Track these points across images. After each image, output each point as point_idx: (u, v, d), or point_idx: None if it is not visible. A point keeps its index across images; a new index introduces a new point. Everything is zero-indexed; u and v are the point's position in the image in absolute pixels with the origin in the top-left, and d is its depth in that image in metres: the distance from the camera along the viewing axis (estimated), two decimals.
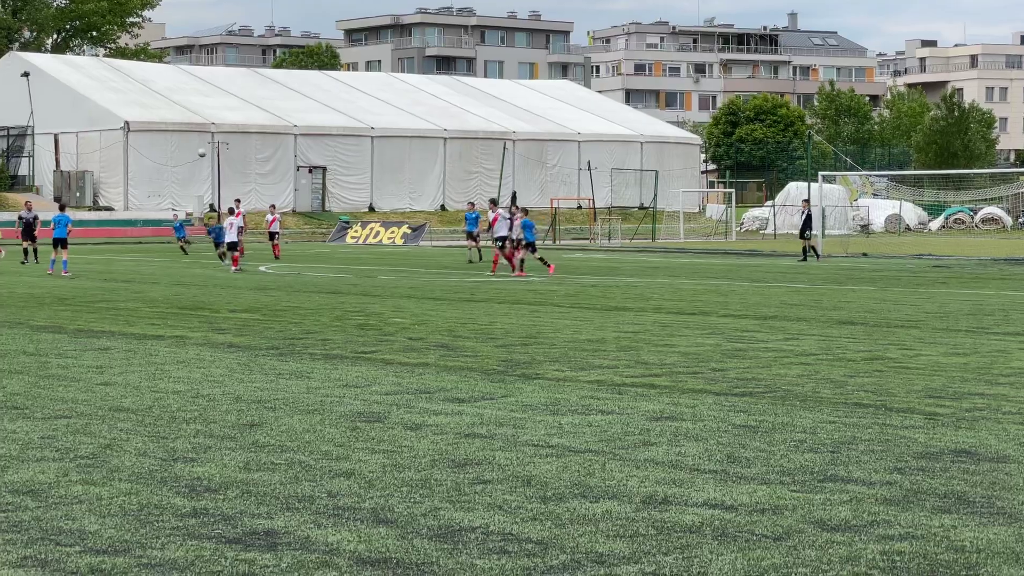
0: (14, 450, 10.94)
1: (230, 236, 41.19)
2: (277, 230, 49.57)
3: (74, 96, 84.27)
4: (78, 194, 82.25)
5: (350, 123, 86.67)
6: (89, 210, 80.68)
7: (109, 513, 8.81)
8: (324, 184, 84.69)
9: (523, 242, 38.03)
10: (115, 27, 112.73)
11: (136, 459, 10.60)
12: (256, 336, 20.37)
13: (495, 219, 41.88)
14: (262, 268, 41.75)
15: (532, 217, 39.74)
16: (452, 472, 10.13)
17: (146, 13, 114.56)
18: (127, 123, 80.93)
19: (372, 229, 69.71)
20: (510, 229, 39.21)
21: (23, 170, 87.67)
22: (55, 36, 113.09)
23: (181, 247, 53.38)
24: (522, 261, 38.05)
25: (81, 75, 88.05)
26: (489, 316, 24.21)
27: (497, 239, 40.85)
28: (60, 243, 38.26)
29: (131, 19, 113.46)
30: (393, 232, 68.00)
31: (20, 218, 47.04)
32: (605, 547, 8.02)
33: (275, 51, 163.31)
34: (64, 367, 16.42)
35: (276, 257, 47.27)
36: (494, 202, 47.78)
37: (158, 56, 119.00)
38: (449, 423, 12.32)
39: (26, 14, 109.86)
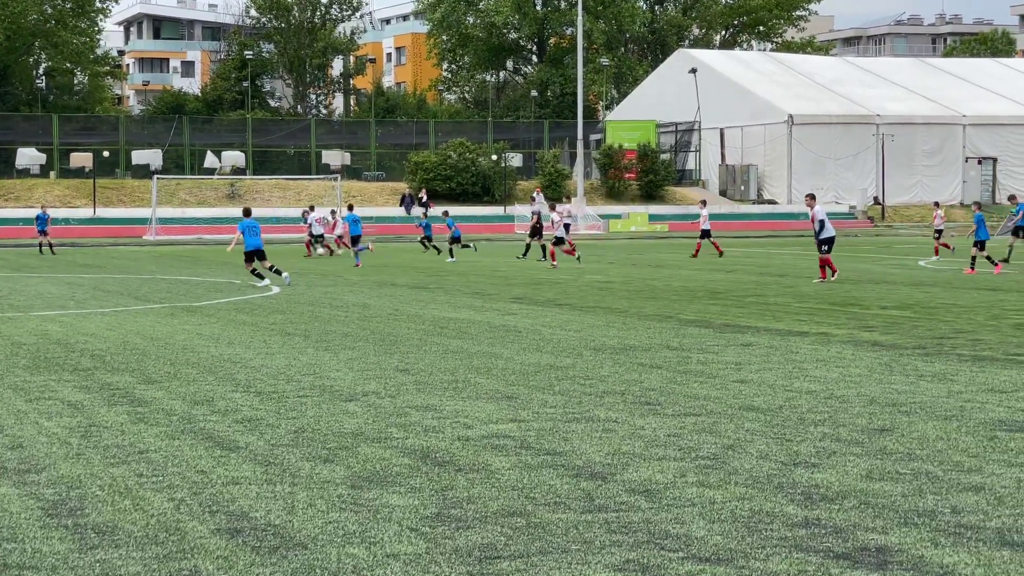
0: (638, 447, 10.96)
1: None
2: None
3: (739, 91, 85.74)
4: (742, 187, 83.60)
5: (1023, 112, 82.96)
6: (752, 203, 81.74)
7: (719, 519, 8.57)
8: (994, 175, 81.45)
9: None
10: (782, 21, 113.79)
11: (756, 462, 10.31)
12: (903, 334, 19.61)
13: None
14: (921, 263, 40.60)
15: None
16: None
17: (812, 6, 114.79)
18: (791, 116, 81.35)
19: None
20: None
21: (690, 164, 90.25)
22: (723, 32, 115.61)
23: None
24: None
25: (746, 70, 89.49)
26: None
27: None
28: (355, 240, 43.00)
29: (797, 13, 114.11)
30: None
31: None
32: None
33: (945, 40, 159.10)
34: (703, 363, 16.44)
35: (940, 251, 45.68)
36: None
37: (824, 49, 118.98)
38: None
39: (696, 12, 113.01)
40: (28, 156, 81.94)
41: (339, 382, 14.84)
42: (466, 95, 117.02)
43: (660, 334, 19.93)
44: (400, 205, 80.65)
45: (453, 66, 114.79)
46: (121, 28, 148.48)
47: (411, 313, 23.93)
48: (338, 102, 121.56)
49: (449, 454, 10.68)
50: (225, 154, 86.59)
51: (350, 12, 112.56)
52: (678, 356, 17.13)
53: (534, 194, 70.83)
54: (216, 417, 12.46)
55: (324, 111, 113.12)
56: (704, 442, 11.13)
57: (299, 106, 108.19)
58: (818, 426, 11.84)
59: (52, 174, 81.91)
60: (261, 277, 32.00)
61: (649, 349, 17.95)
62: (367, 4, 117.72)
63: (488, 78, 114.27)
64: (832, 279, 31.69)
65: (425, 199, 78.88)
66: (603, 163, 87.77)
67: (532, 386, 14.45)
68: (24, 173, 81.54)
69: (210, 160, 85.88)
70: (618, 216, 79.37)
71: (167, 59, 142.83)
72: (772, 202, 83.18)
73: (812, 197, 34.18)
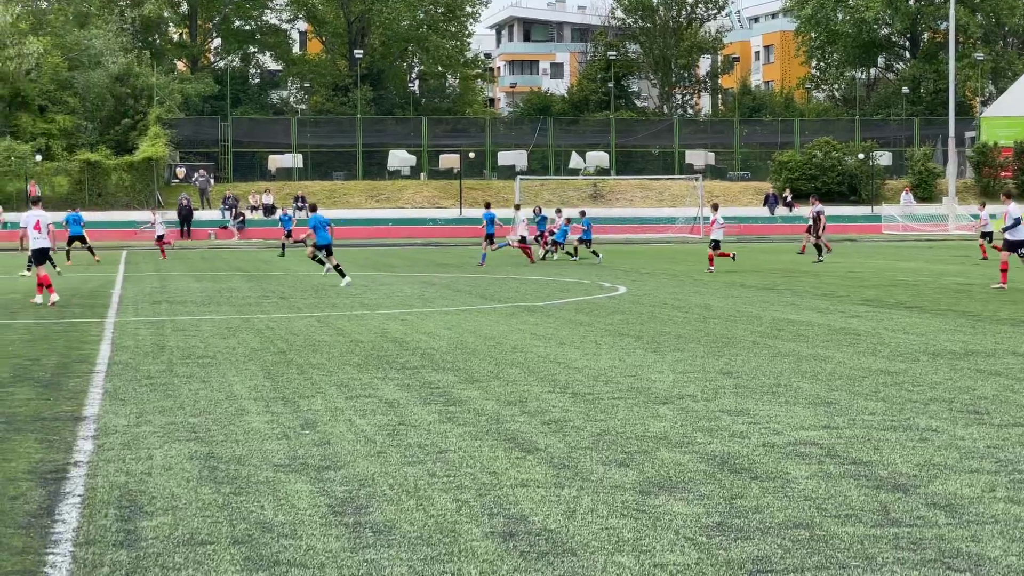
0: (951, 458, 10.33)
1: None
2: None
3: None
4: None
5: None
6: None
7: (1019, 538, 7.95)
8: None
9: None
10: None
11: None
12: None
13: None
14: None
15: None
16: None
17: None
18: None
19: None
20: None
21: None
22: None
23: None
24: None
25: None
26: None
27: None
28: (488, 238, 42.63)
29: None
30: None
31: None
32: None
33: None
34: None
35: None
36: None
37: None
38: None
39: None
40: (399, 158, 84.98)
41: (658, 384, 14.63)
42: (835, 93, 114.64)
43: (1009, 340, 18.89)
44: (763, 205, 79.74)
45: (821, 63, 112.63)
46: (493, 32, 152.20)
47: (751, 314, 23.49)
48: (704, 101, 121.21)
49: (749, 460, 10.33)
50: (589, 154, 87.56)
51: (716, 11, 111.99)
52: (1022, 363, 16.15)
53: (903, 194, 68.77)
54: (524, 418, 12.45)
55: (690, 111, 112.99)
56: (1021, 456, 10.40)
57: (664, 106, 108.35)
58: None
59: (422, 175, 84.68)
60: (339, 272, 33.23)
61: (992, 355, 17.02)
62: (733, 2, 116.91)
63: (858, 75, 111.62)
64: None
65: (790, 198, 77.75)
66: (976, 161, 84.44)
67: (855, 392, 13.88)
68: (395, 175, 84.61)
69: (575, 160, 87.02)
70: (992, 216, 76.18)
71: (537, 61, 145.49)
72: None
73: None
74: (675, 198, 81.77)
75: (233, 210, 74.81)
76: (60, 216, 45.82)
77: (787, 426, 11.85)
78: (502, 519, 8.55)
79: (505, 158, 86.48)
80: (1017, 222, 29.87)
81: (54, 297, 26.93)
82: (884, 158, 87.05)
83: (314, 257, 36.38)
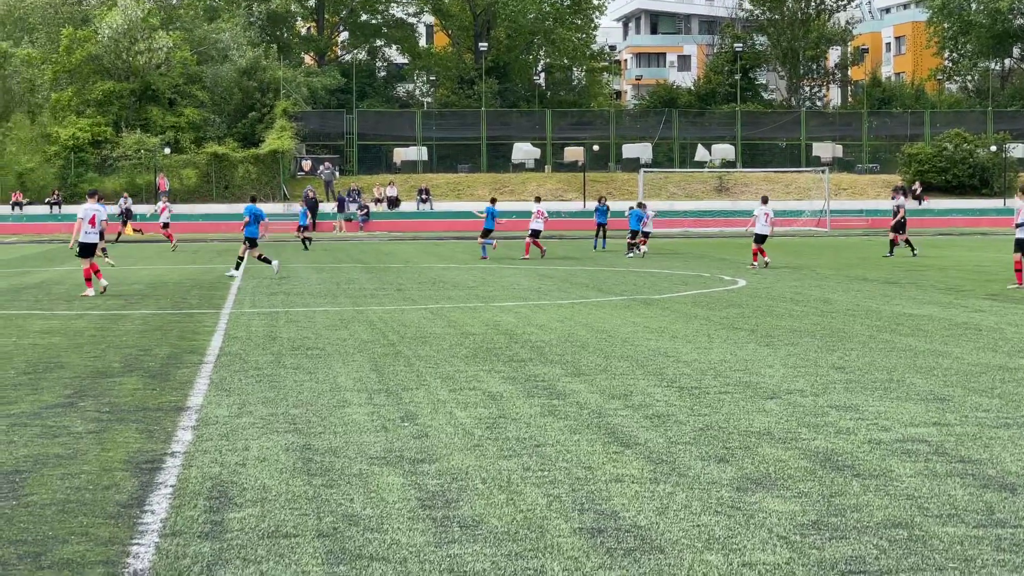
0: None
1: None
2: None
3: None
4: None
5: None
6: None
7: None
8: None
9: None
10: None
11: None
12: None
13: None
14: None
15: None
16: None
17: None
18: None
19: None
20: None
21: None
22: None
23: None
24: None
25: None
26: None
27: None
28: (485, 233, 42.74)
29: None
30: None
31: None
32: None
33: None
34: None
35: None
36: None
37: None
38: None
39: None
40: (523, 151, 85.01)
41: (768, 379, 14.35)
42: (968, 84, 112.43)
43: None
44: (891, 198, 78.44)
45: (954, 54, 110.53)
46: (620, 24, 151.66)
47: (870, 308, 23.03)
48: (834, 93, 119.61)
49: (853, 457, 10.04)
50: (715, 147, 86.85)
51: (846, 2, 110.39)
52: None
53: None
54: (627, 412, 12.26)
55: (820, 103, 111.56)
56: None
57: (792, 98, 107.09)
58: None
59: (546, 168, 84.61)
60: (268, 261, 33.83)
61: None
62: None
63: (992, 66, 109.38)
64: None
65: (920, 191, 76.31)
66: None
67: (971, 388, 13.48)
68: (519, 167, 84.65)
69: (700, 153, 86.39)
70: None
71: (664, 53, 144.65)
72: None
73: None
74: (801, 191, 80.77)
75: (357, 203, 75.40)
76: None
77: (896, 423, 11.52)
78: (592, 515, 8.39)
79: (630, 151, 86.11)
80: None
81: (103, 282, 27.86)
82: (1018, 150, 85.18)
83: (249, 258, 35.46)
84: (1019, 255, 27.70)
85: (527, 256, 43.20)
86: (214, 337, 19.16)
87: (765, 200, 38.44)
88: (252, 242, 34.09)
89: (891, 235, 43.99)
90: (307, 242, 53.98)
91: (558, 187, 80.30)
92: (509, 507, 8.59)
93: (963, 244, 50.75)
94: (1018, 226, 27.59)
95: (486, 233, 43.15)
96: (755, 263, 36.06)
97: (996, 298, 25.13)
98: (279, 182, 78.49)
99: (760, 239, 36.65)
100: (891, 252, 42.79)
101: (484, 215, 43.36)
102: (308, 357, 16.57)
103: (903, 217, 43.79)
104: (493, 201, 45.24)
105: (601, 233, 50.26)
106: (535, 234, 43.54)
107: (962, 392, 13.22)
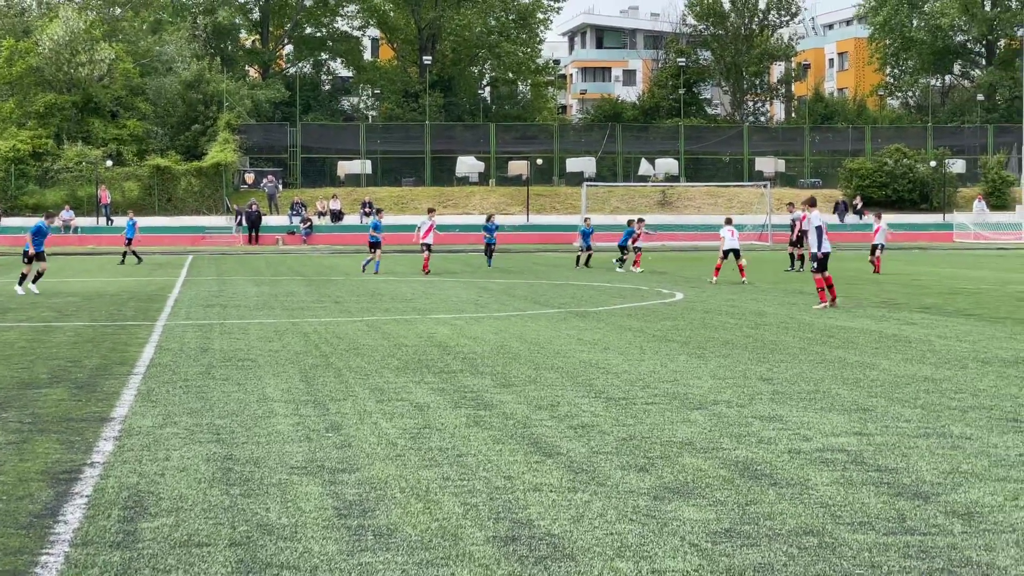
0: (980, 466, 10.08)
1: None
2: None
3: None
4: None
5: None
6: None
7: None
8: None
9: None
10: None
11: None
12: None
13: None
14: None
15: None
16: None
17: None
18: None
19: None
20: None
21: None
22: None
23: None
24: None
25: None
26: None
27: None
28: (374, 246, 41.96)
29: None
30: None
31: None
32: None
33: None
34: None
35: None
36: None
37: None
38: None
39: None
40: (468, 164, 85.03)
41: (695, 390, 14.43)
42: (909, 100, 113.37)
43: None
44: (833, 212, 78.99)
45: (895, 70, 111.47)
46: (566, 38, 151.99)
47: (804, 321, 23.19)
48: (777, 108, 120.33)
49: (772, 467, 10.13)
50: (659, 161, 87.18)
51: (788, 18, 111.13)
52: None
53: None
54: (552, 422, 12.30)
55: (763, 118, 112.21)
56: None
57: (736, 113, 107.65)
58: None
59: (490, 182, 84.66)
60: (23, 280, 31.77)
61: None
62: (806, 9, 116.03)
63: (932, 82, 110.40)
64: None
65: (860, 206, 76.79)
66: None
67: (894, 398, 13.62)
68: (463, 181, 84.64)
69: (644, 167, 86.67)
70: None
71: (609, 68, 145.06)
72: None
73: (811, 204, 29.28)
74: (744, 205, 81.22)
75: (300, 216, 75.24)
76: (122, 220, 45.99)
77: (817, 432, 11.62)
78: (507, 523, 8.41)
79: (573, 165, 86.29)
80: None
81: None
82: (957, 166, 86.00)
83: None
84: None
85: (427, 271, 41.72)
86: (146, 348, 19.06)
87: (729, 221, 38.81)
88: (34, 256, 31.86)
89: (790, 249, 44.47)
90: (127, 256, 50.74)
91: (501, 200, 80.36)
92: (425, 516, 8.61)
93: (901, 258, 51.19)
94: None
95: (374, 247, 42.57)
96: (715, 277, 36.09)
97: (928, 311, 25.36)
98: (222, 195, 78.12)
99: (737, 254, 36.63)
100: (792, 266, 43.03)
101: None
102: (238, 368, 16.51)
103: (801, 231, 43.91)
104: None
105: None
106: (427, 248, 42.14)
107: (885, 403, 13.34)
